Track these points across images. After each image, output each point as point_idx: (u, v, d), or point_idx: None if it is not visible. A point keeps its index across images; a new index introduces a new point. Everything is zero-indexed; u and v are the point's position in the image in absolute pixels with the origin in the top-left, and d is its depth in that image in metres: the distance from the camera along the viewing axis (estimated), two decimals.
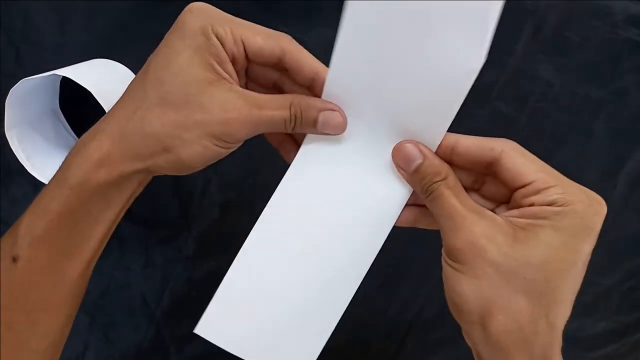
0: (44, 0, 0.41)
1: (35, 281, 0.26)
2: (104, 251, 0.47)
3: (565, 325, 0.47)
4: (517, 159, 0.26)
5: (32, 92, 0.39)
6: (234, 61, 0.27)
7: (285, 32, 0.41)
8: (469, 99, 0.41)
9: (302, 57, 0.27)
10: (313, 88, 0.28)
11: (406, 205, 0.29)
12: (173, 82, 0.25)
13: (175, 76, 0.25)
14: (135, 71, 0.42)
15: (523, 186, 0.26)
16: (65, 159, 0.26)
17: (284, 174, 0.45)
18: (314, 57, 0.28)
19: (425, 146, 0.27)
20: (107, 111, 0.35)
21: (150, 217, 0.44)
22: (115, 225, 0.28)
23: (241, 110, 0.25)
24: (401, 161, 0.27)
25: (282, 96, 0.27)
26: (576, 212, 0.24)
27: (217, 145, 0.26)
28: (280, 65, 0.28)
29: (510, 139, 0.42)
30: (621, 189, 0.43)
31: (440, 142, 0.27)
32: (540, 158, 0.43)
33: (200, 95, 0.25)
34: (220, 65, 0.26)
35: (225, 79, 0.26)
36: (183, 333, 0.46)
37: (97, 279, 0.45)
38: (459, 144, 0.27)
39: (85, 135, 0.27)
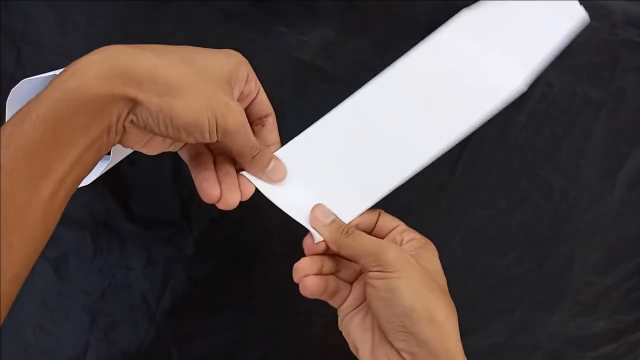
0: (45, 0, 0.41)
1: (13, 197, 0.24)
2: (105, 250, 0.47)
3: (565, 324, 0.47)
4: (386, 218, 0.37)
5: (32, 92, 0.38)
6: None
7: (286, 32, 0.41)
8: None
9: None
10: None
11: (324, 274, 0.35)
12: (211, 69, 0.29)
13: (212, 68, 0.29)
14: None
15: (394, 228, 0.36)
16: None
17: None
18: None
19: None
20: None
21: (151, 217, 0.44)
22: (85, 159, 0.28)
23: (245, 120, 0.31)
24: (319, 217, 0.34)
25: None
26: (427, 241, 0.35)
27: (207, 122, 0.28)
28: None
29: (510, 140, 0.42)
30: (620, 189, 0.43)
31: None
32: (540, 158, 0.43)
33: (227, 92, 0.30)
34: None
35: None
36: (184, 333, 0.46)
37: (97, 279, 0.45)
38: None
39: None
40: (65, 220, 0.49)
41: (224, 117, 0.29)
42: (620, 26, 0.38)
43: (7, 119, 0.37)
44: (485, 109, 0.35)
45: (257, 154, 0.33)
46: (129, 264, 0.45)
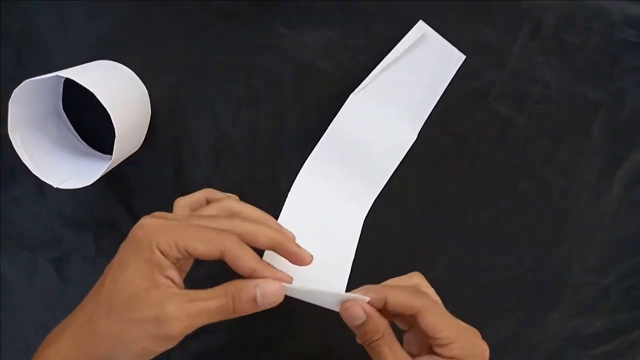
0: (45, 0, 0.41)
1: None
2: (107, 250, 0.47)
3: (564, 324, 0.47)
4: (430, 317, 0.32)
5: (35, 92, 0.39)
6: (179, 262, 0.31)
7: (286, 33, 0.41)
8: (468, 100, 0.41)
9: (240, 258, 0.30)
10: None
11: None
12: (119, 295, 0.29)
13: (121, 289, 0.29)
14: (136, 71, 0.42)
15: (433, 338, 0.32)
16: None
17: (282, 176, 0.46)
18: (253, 255, 0.30)
19: (370, 305, 0.32)
20: (109, 111, 0.36)
21: None
22: None
23: (175, 305, 0.28)
24: (348, 318, 0.32)
25: (220, 286, 0.30)
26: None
27: (156, 345, 0.29)
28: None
29: (510, 140, 0.43)
30: (618, 189, 0.43)
31: (376, 296, 0.32)
32: (539, 159, 0.44)
33: (140, 301, 0.28)
34: (161, 273, 0.29)
35: (163, 284, 0.29)
36: None
37: (97, 279, 0.45)
38: (388, 299, 0.32)
39: (47, 338, 0.31)
40: (67, 220, 0.49)
41: (159, 324, 0.28)
42: (618, 27, 0.39)
43: (9, 119, 0.37)
44: (390, 170, 0.41)
45: (233, 306, 0.30)
46: None
